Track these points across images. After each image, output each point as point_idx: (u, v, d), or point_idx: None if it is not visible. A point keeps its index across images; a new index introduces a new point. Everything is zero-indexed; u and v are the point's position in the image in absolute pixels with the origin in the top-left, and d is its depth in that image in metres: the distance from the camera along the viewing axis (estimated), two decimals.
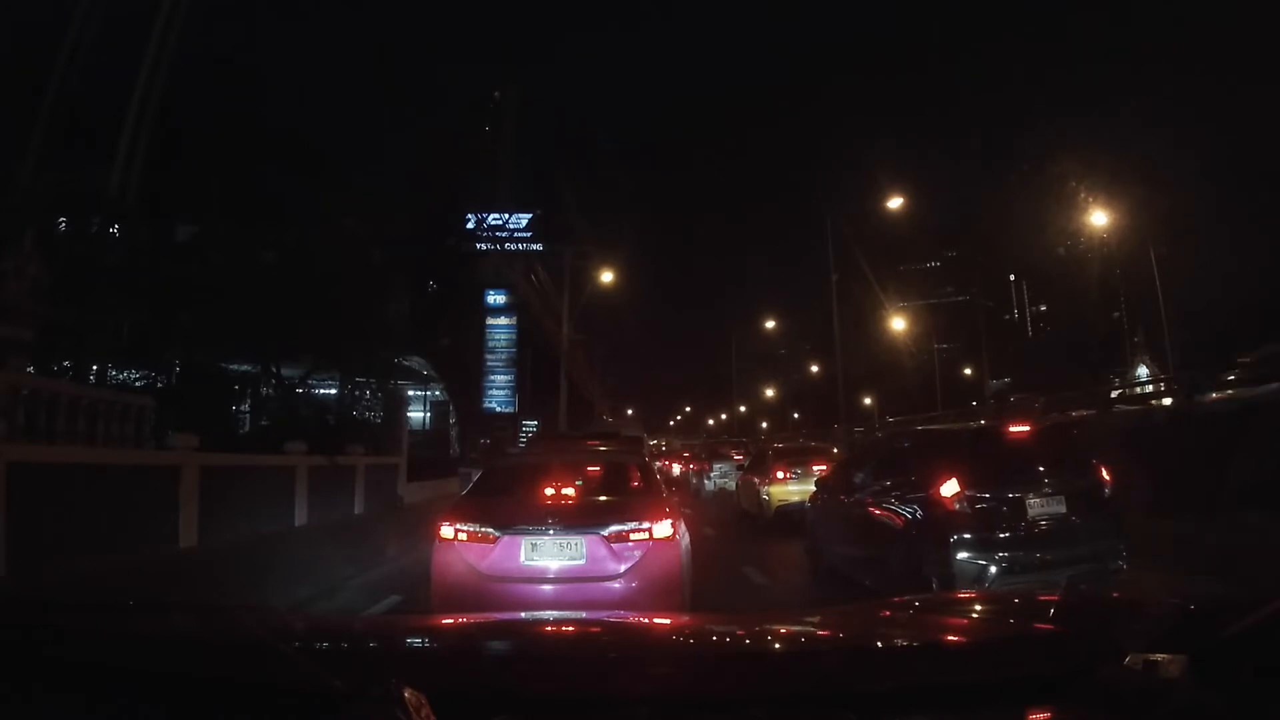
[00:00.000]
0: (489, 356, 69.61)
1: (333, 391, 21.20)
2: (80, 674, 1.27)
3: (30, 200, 13.20)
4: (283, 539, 10.79)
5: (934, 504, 5.33)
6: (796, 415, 59.60)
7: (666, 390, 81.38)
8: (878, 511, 6.16)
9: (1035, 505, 5.25)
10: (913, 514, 5.64)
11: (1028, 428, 6.20)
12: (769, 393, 62.79)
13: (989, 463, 5.54)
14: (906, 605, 2.19)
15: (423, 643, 1.80)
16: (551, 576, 4.53)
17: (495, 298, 69.93)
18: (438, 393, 38.12)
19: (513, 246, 57.62)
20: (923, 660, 1.39)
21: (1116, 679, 1.14)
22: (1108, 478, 5.62)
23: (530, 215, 61.14)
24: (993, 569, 4.99)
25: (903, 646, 1.58)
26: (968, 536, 5.07)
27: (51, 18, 19.73)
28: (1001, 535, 5.12)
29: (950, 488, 5.24)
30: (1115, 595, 3.39)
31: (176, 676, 1.25)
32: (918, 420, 22.00)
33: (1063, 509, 5.27)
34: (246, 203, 17.41)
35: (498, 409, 64.92)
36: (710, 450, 29.36)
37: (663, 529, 4.64)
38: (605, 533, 4.54)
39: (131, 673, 1.26)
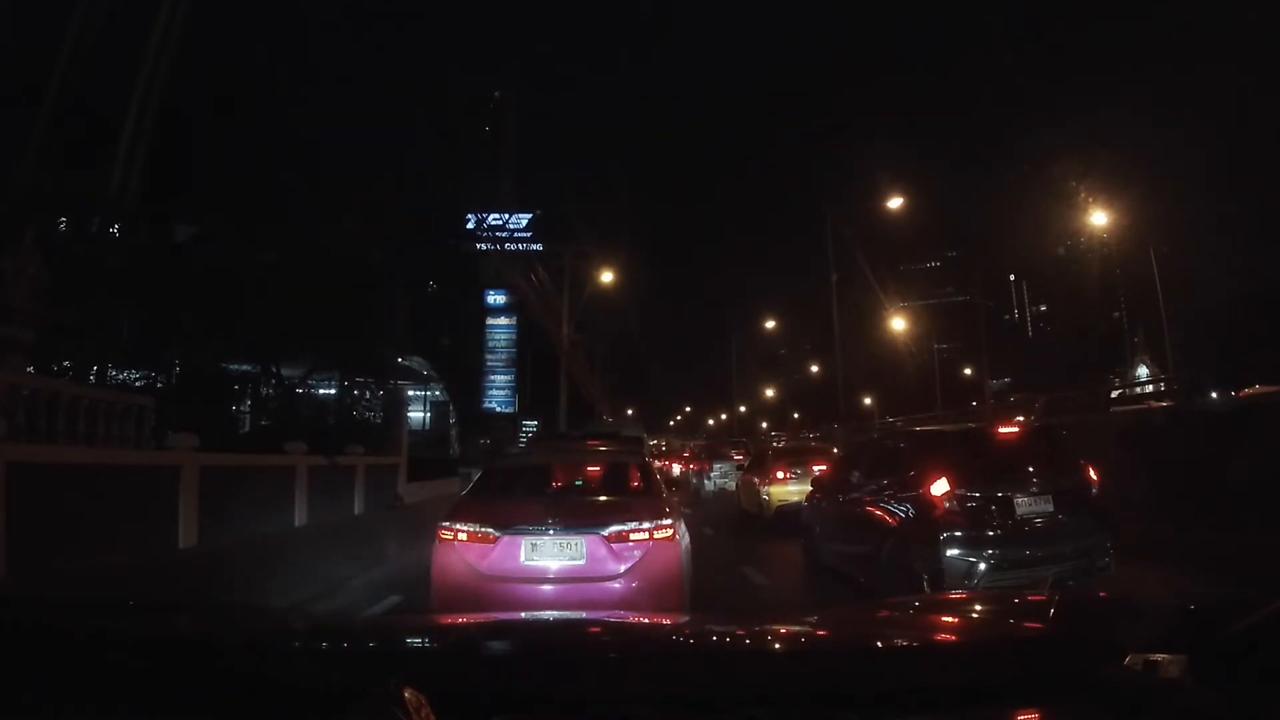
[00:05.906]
0: (489, 356, 69.75)
1: (333, 391, 21.22)
2: (80, 674, 1.27)
3: (30, 200, 13.21)
4: (283, 539, 10.78)
5: (925, 503, 5.40)
6: (796, 415, 59.60)
7: (666, 390, 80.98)
8: (871, 510, 6.22)
9: (1023, 504, 5.31)
10: (905, 512, 5.72)
11: (1016, 429, 6.25)
12: (769, 393, 62.77)
13: (979, 463, 5.62)
14: (906, 605, 2.19)
15: (423, 643, 1.79)
16: (551, 576, 4.52)
17: (495, 298, 70.11)
18: (438, 393, 38.18)
19: (512, 246, 57.76)
20: (922, 660, 1.38)
21: (1116, 679, 1.14)
22: (1095, 477, 5.70)
23: (530, 215, 61.32)
24: (981, 566, 5.05)
25: (902, 646, 1.58)
26: (957, 534, 5.14)
27: (52, 17, 19.74)
28: (990, 533, 5.19)
29: (940, 487, 5.32)
30: (1102, 594, 3.41)
31: (177, 676, 1.25)
32: (916, 420, 22.04)
33: (1050, 508, 5.34)
34: (246, 203, 17.42)
35: (498, 409, 65.07)
36: (710, 450, 29.34)
37: (663, 529, 4.63)
38: (605, 533, 4.54)
39: (132, 673, 1.26)
